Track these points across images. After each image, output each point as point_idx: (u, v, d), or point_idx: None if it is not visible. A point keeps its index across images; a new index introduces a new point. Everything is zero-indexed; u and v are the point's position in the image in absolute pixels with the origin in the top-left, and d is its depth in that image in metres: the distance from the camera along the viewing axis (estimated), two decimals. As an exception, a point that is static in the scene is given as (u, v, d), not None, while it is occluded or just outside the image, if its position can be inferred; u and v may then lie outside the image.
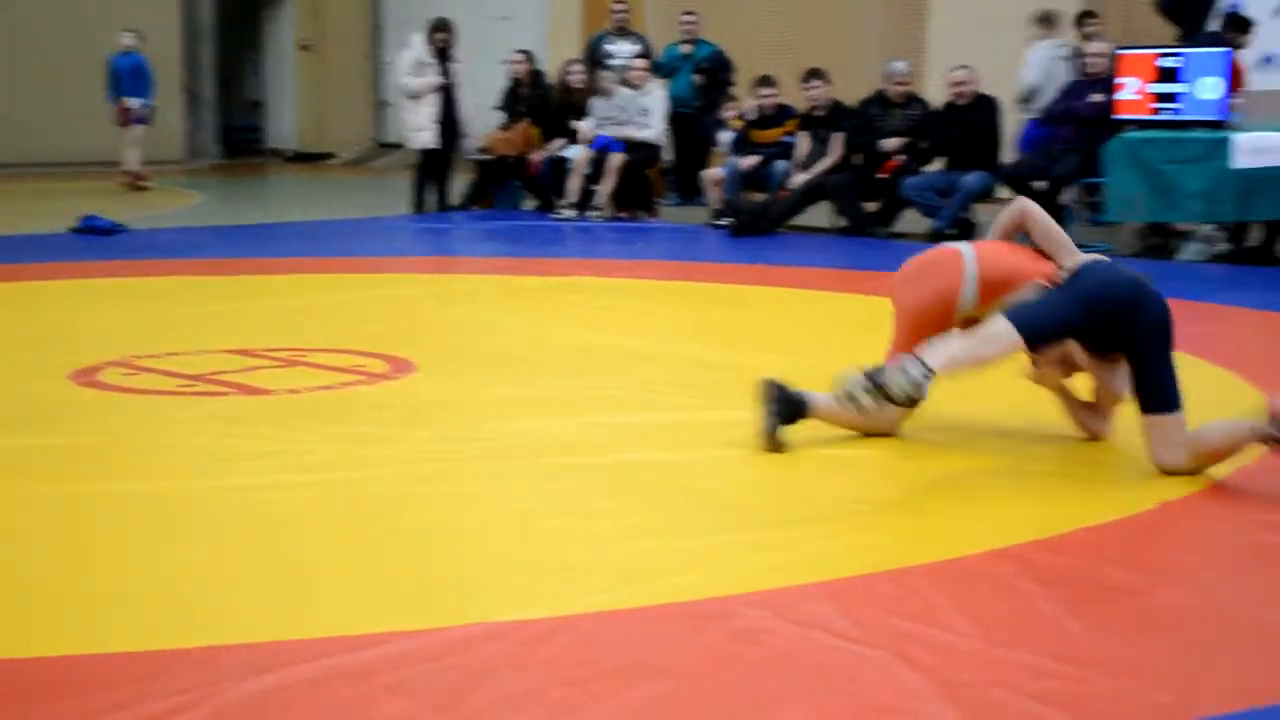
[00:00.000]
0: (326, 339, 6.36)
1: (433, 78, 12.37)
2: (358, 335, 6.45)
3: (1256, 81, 10.58)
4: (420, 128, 12.53)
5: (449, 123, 12.44)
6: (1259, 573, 3.27)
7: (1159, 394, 4.04)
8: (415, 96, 12.52)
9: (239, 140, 21.08)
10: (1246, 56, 10.18)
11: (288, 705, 2.59)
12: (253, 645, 2.83)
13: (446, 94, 12.42)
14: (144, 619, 3.02)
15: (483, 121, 13.43)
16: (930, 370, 3.85)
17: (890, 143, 10.65)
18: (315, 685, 2.66)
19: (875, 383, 3.87)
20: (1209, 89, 9.34)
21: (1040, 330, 4.01)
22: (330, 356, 5.95)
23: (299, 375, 5.58)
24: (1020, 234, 4.48)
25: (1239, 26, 10.17)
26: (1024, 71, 11.21)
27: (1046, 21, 11.43)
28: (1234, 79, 9.84)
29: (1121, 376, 4.20)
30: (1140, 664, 2.78)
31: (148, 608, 3.09)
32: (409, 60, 12.68)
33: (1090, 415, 4.49)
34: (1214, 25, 10.91)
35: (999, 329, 3.96)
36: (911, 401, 3.88)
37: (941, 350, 3.94)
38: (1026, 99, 11.13)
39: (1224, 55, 9.45)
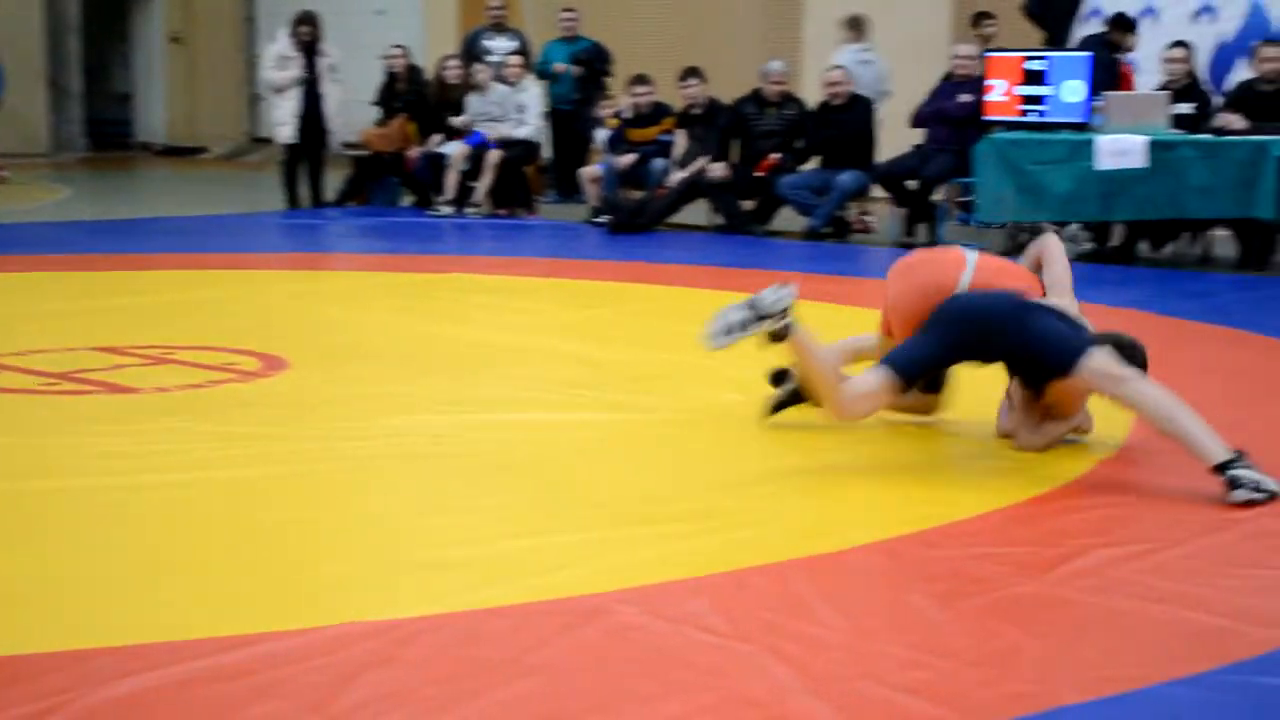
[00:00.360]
0: (197, 336, 6.25)
1: (294, 71, 12.20)
2: (229, 332, 6.35)
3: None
4: (281, 122, 12.38)
5: (313, 118, 12.26)
6: (1115, 565, 3.36)
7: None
8: (278, 90, 12.36)
9: (107, 134, 20.57)
10: (1133, 58, 10.47)
11: (153, 708, 2.55)
12: (118, 648, 2.78)
13: (311, 88, 12.24)
14: (5, 623, 2.95)
15: (360, 117, 13.29)
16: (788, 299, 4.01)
17: (772, 159, 10.77)
18: (182, 687, 2.62)
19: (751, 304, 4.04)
20: (1073, 92, 9.58)
21: (909, 365, 4.15)
22: (200, 354, 5.85)
23: (168, 373, 5.48)
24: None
25: (1124, 27, 10.42)
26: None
27: (854, 26, 11.96)
28: (1123, 82, 10.05)
29: (1081, 410, 4.32)
30: (1004, 654, 2.85)
31: (9, 611, 3.02)
32: (273, 54, 12.51)
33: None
34: (1085, 29, 11.21)
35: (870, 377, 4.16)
36: (776, 319, 4.00)
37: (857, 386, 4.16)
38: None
39: (1087, 59, 9.69)
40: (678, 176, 11.05)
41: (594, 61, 13.12)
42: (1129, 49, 10.26)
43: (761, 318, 4.01)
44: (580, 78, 13.06)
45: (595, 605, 3.06)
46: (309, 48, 12.23)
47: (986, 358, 4.22)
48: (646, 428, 4.70)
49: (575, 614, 3.01)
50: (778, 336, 4.04)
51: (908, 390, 4.23)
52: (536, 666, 2.74)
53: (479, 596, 3.10)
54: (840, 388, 4.13)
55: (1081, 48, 10.47)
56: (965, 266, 4.46)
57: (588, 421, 4.74)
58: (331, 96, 12.31)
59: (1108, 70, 9.77)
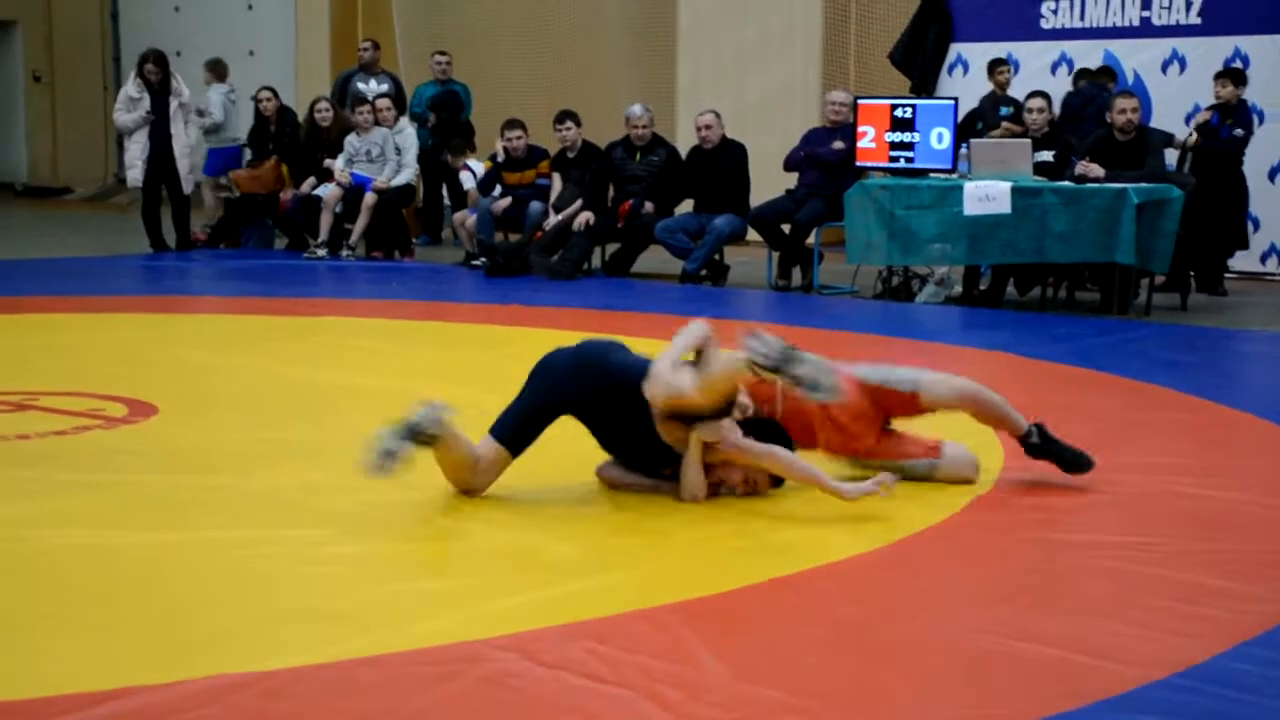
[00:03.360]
0: (61, 382, 6.10)
1: (140, 113, 11.99)
2: (96, 378, 6.20)
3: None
4: (130, 164, 12.18)
5: (163, 159, 12.05)
6: (984, 606, 3.42)
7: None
8: (127, 132, 12.16)
9: (-35, 174, 20.10)
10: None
11: (13, 769, 2.46)
12: (-25, 707, 2.69)
13: (160, 129, 12.03)
14: None
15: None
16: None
17: (626, 205, 10.81)
18: (44, 747, 2.54)
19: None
20: (939, 139, 9.80)
21: (507, 427, 4.32)
22: (65, 400, 5.70)
23: (30, 420, 5.33)
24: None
25: (1109, 74, 10.85)
26: (209, 109, 13.43)
27: (215, 68, 13.88)
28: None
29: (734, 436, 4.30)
30: (876, 696, 2.88)
31: None
32: (122, 95, 12.30)
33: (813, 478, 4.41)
34: (950, 80, 11.50)
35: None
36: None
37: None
38: (210, 131, 13.33)
39: (950, 107, 9.93)
40: (553, 220, 11.08)
41: (441, 108, 13.12)
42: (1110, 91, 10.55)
43: (417, 436, 4.10)
44: (432, 125, 13.05)
45: (471, 652, 3.03)
46: (158, 87, 12.03)
47: (568, 406, 4.33)
48: (512, 474, 4.65)
49: (451, 662, 2.98)
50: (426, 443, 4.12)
51: (516, 454, 4.32)
52: (412, 717, 2.70)
53: (351, 646, 3.06)
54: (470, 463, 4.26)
55: (1079, 96, 10.70)
56: None
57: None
58: (180, 137, 12.09)
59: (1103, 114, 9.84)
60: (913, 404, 4.58)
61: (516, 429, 4.31)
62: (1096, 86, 10.80)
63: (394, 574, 3.60)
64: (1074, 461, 4.52)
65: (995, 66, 11.22)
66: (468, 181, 12.15)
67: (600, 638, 3.14)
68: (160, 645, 3.08)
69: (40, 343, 7.36)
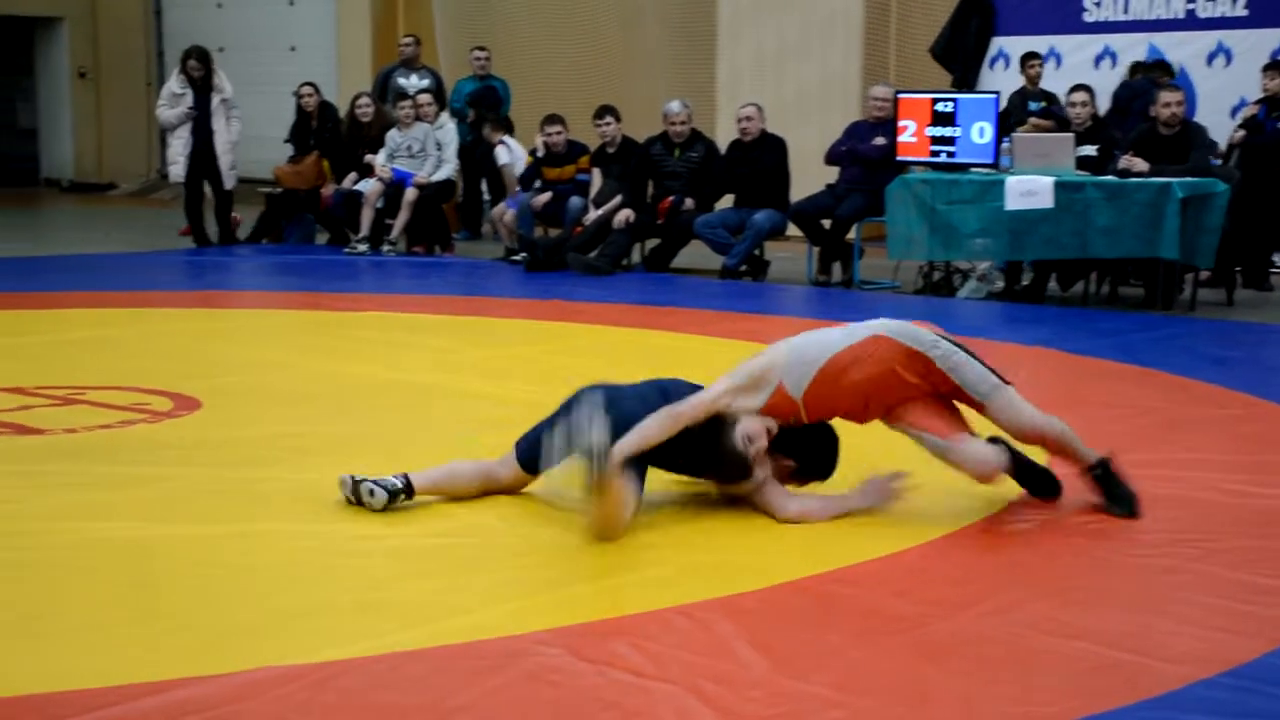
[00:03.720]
0: (107, 376, 6.15)
1: (182, 109, 12.07)
2: (141, 372, 6.25)
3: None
4: (173, 160, 12.26)
5: (205, 155, 12.13)
6: (1027, 603, 3.40)
7: None
8: (170, 128, 12.24)
9: (13, 170, 20.23)
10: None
11: (63, 760, 2.49)
12: (30, 697, 2.72)
13: (202, 125, 12.10)
14: (-94, 674, 2.87)
15: (274, 154, 13.20)
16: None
17: (667, 202, 10.81)
18: (94, 738, 2.56)
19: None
20: (981, 133, 9.74)
21: (523, 450, 4.23)
22: (111, 394, 5.75)
23: (77, 414, 5.38)
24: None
25: (1164, 69, 10.56)
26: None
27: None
28: None
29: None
30: (922, 692, 2.87)
31: (-90, 662, 2.94)
32: (165, 91, 12.39)
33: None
34: (993, 73, 11.42)
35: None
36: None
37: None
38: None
39: (992, 101, 9.87)
40: (593, 215, 11.08)
41: (480, 104, 13.13)
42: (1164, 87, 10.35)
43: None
44: (471, 121, 13.07)
45: (515, 647, 3.03)
46: (200, 84, 12.10)
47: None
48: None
49: (495, 656, 2.98)
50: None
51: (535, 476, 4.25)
52: (457, 710, 2.71)
53: (396, 639, 3.07)
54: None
55: (1128, 89, 10.57)
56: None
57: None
58: (222, 133, 12.16)
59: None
60: (972, 408, 4.24)
61: (525, 449, 4.26)
62: (1148, 81, 10.65)
63: (437, 568, 3.61)
64: (1119, 500, 4.19)
65: (1027, 60, 11.13)
66: (503, 156, 12.19)
67: (643, 633, 3.14)
68: (207, 638, 3.10)
69: (86, 337, 7.42)
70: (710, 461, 4.12)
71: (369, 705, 2.73)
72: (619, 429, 3.88)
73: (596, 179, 11.35)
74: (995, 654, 3.07)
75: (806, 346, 4.22)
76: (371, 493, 4.06)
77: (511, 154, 12.18)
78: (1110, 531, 3.98)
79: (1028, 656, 3.06)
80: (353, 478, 4.11)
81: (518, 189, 11.76)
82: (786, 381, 4.12)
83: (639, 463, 4.01)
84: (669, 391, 4.16)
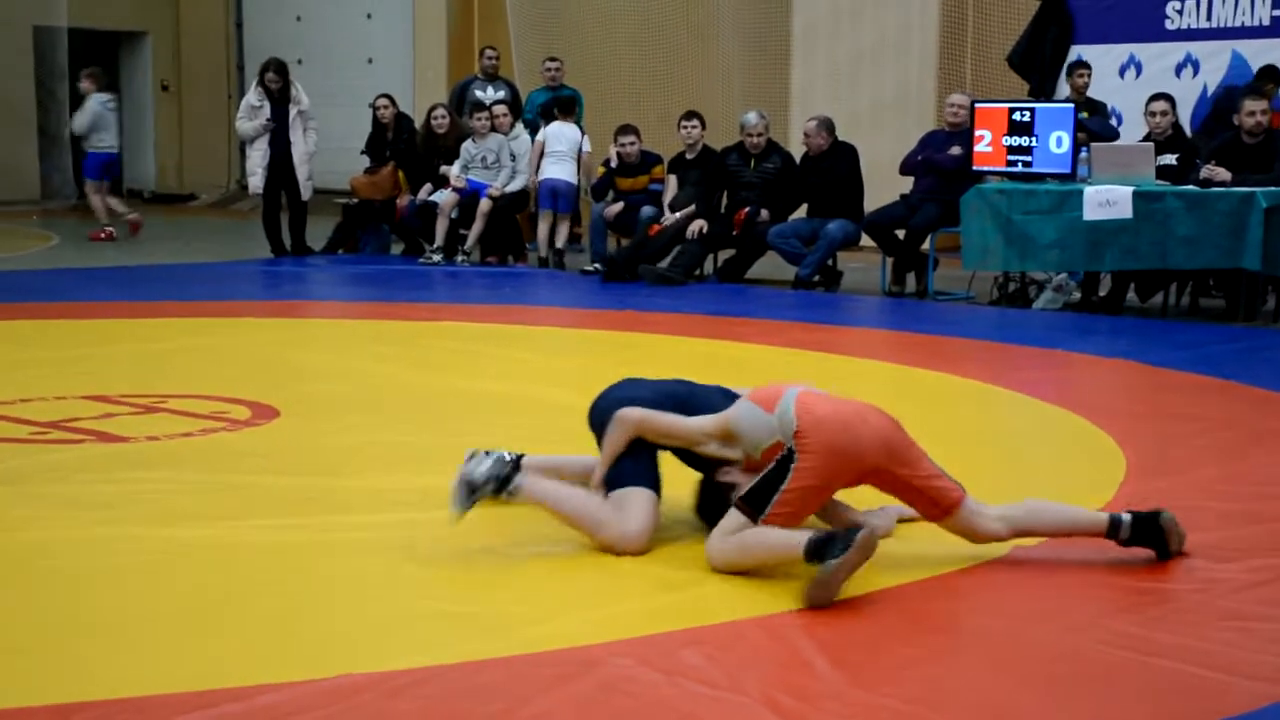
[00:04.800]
0: (187, 384, 6.25)
1: (260, 121, 12.22)
2: (220, 380, 6.34)
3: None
4: (251, 172, 12.42)
5: (283, 166, 12.28)
6: (1111, 618, 3.36)
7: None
8: (249, 140, 12.40)
9: (97, 181, 20.64)
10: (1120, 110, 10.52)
11: (146, 763, 2.53)
12: (112, 701, 2.76)
13: (280, 137, 12.25)
14: (-5, 676, 2.93)
15: (349, 165, 13.34)
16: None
17: (743, 214, 10.78)
18: (175, 742, 2.60)
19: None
20: (1058, 143, 9.65)
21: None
22: (191, 402, 5.84)
23: (159, 422, 5.47)
24: None
25: (1272, 77, 10.19)
26: (77, 116, 14.10)
27: (96, 77, 14.25)
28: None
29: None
30: (997, 708, 2.84)
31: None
32: (244, 104, 12.56)
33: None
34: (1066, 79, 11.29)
35: None
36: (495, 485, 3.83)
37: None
38: (81, 137, 14.09)
39: (1070, 110, 9.77)
40: (668, 218, 11.07)
41: (553, 108, 13.17)
42: (1268, 96, 10.10)
43: (474, 490, 3.82)
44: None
45: (589, 656, 3.04)
46: (278, 96, 12.26)
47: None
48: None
49: (569, 666, 2.99)
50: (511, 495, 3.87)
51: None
52: (531, 719, 2.72)
53: (471, 647, 3.09)
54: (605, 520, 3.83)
55: (1224, 98, 10.36)
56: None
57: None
58: (299, 145, 12.30)
59: None
60: (944, 508, 3.72)
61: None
62: (1251, 89, 10.32)
63: (511, 577, 3.63)
64: (1165, 546, 3.80)
65: (1074, 69, 10.98)
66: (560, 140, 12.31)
67: (717, 644, 3.14)
68: (285, 645, 3.14)
69: (168, 347, 7.54)
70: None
71: (445, 713, 2.75)
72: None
73: (672, 185, 11.33)
74: (1073, 670, 3.04)
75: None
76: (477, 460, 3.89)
77: (584, 138, 12.32)
78: (1189, 547, 3.92)
79: (1106, 673, 3.02)
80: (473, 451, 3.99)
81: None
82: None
83: (649, 469, 3.92)
84: (683, 396, 4.06)
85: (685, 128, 11.27)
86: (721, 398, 4.05)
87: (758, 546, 3.59)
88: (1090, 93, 11.09)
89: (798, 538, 3.47)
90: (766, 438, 3.73)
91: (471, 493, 3.81)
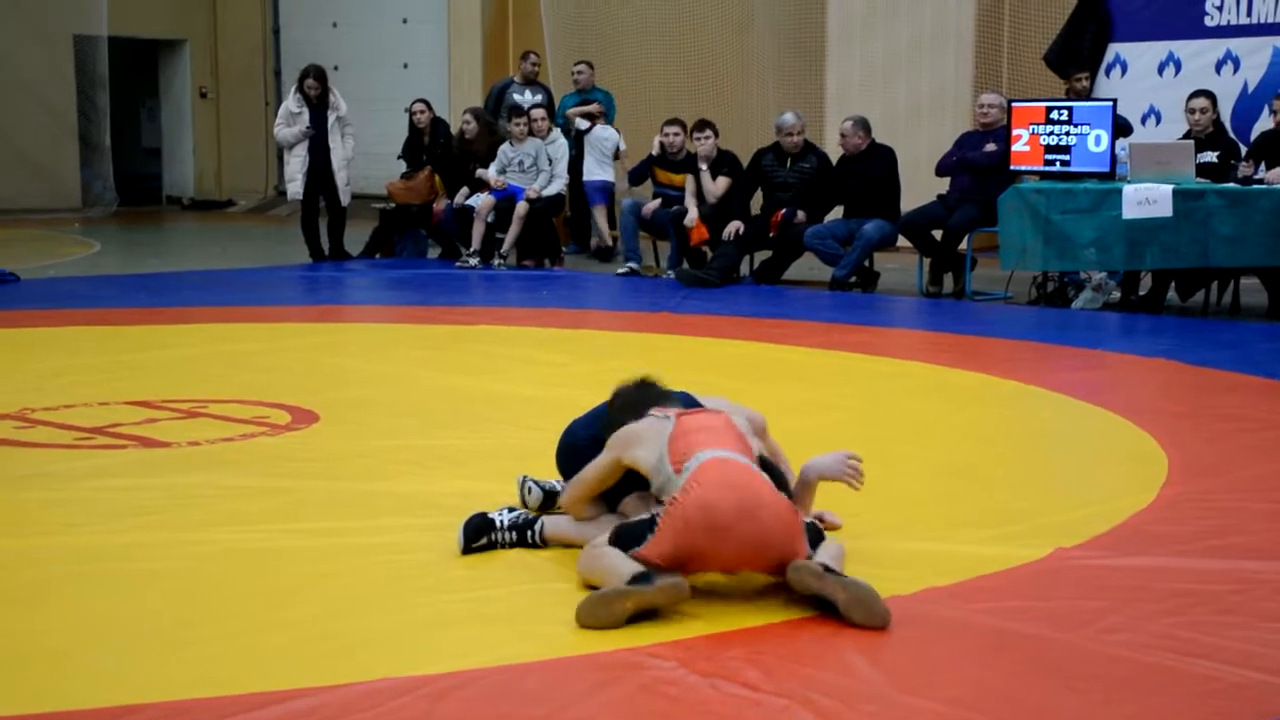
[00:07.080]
0: (228, 389, 6.29)
1: (299, 128, 12.29)
2: (260, 385, 6.38)
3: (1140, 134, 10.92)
4: (291, 178, 12.50)
5: (322, 172, 12.34)
6: (1151, 620, 3.34)
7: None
8: (287, 146, 12.47)
9: (136, 188, 20.79)
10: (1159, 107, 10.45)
11: (191, 766, 2.55)
12: (154, 705, 2.79)
13: (319, 143, 12.31)
14: (39, 679, 2.95)
15: (386, 170, 13.40)
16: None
17: (779, 215, 10.77)
18: (219, 745, 2.62)
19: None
20: (1096, 142, 9.60)
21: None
22: (232, 407, 5.88)
23: (201, 427, 5.51)
24: None
25: None
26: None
27: None
28: None
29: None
30: (1040, 710, 2.83)
31: (43, 667, 3.03)
32: (282, 110, 12.64)
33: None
34: (1108, 81, 11.23)
35: None
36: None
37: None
38: None
39: (1108, 109, 9.72)
40: (693, 212, 11.06)
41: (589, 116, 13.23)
42: None
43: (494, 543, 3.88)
44: (575, 134, 13.13)
45: (629, 659, 3.05)
46: (316, 102, 12.32)
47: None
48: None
49: (610, 669, 3.00)
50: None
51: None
52: (572, 722, 2.73)
53: (512, 650, 3.10)
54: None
55: None
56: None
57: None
58: (338, 150, 12.36)
59: None
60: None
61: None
62: None
63: (551, 580, 3.63)
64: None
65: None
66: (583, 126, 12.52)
67: (757, 646, 3.14)
68: (327, 648, 3.16)
69: (208, 352, 7.60)
70: None
71: (487, 716, 2.76)
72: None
73: (706, 180, 11.23)
74: (1115, 672, 3.02)
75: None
76: (530, 490, 4.24)
77: (611, 141, 12.49)
78: (1229, 550, 3.89)
79: (1149, 675, 3.00)
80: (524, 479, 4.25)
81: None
82: None
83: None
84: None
85: (699, 138, 11.15)
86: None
87: (599, 568, 3.50)
88: (1128, 91, 11.04)
89: (628, 570, 3.37)
90: (656, 477, 3.62)
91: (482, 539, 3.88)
